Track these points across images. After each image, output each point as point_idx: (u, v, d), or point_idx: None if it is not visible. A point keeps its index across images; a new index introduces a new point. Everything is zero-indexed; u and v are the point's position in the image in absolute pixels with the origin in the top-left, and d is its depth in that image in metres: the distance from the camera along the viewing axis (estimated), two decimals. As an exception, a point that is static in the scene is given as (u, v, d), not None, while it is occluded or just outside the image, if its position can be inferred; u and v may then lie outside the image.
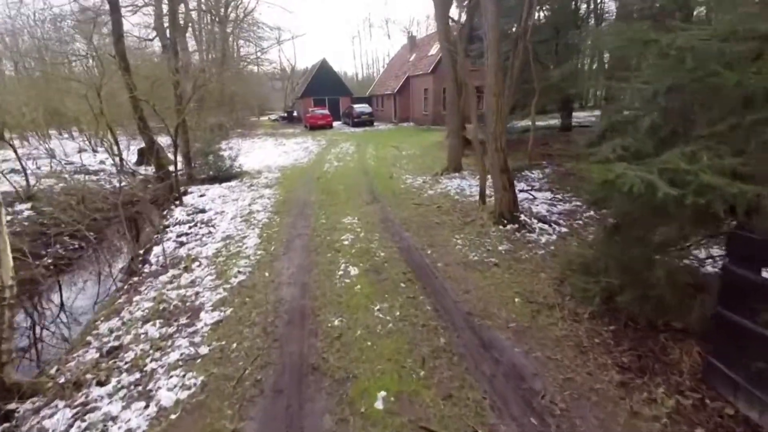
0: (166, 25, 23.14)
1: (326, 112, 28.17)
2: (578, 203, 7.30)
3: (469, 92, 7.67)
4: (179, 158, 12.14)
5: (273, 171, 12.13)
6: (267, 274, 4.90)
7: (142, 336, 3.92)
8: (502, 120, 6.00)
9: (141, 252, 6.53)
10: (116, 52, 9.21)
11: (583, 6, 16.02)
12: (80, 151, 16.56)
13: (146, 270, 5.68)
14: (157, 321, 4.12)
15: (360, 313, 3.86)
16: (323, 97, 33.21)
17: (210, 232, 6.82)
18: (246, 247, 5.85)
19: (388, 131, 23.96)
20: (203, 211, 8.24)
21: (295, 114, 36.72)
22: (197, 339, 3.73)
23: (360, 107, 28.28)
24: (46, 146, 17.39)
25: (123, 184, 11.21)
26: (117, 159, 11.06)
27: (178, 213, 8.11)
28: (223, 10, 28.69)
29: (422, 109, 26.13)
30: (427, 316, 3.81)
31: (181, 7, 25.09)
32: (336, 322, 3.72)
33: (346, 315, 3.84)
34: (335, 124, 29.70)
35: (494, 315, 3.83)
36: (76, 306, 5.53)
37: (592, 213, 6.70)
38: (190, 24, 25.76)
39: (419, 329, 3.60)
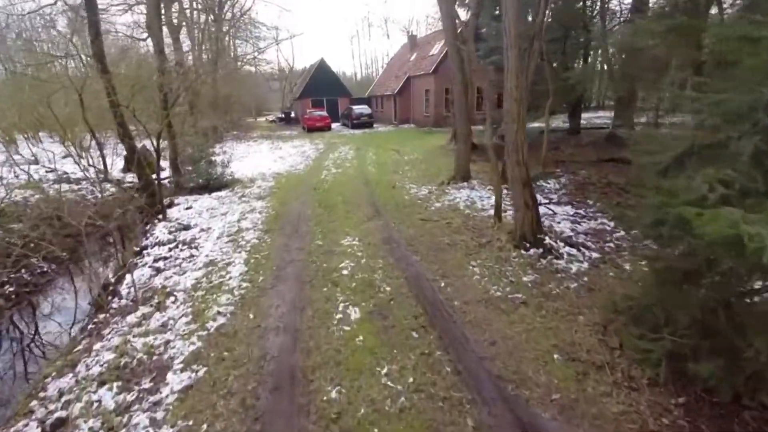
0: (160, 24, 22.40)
1: (324, 113, 27.38)
2: (604, 221, 6.55)
3: (487, 95, 6.88)
4: (165, 165, 11.37)
5: (267, 179, 11.35)
6: (251, 315, 4.13)
7: (95, 406, 3.15)
8: (524, 128, 5.24)
9: (112, 280, 5.76)
10: (93, 53, 8.42)
11: (592, 4, 15.33)
12: (65, 156, 15.74)
13: (115, 305, 4.90)
14: (116, 383, 3.35)
15: (363, 378, 3.09)
16: (321, 98, 32.43)
17: (192, 256, 6.05)
18: (230, 277, 5.08)
19: (388, 133, 23.20)
20: (187, 227, 7.46)
21: (292, 115, 35.93)
22: (159, 414, 2.96)
23: (359, 108, 27.51)
24: (30, 151, 16.62)
25: (105, 193, 10.46)
26: (92, 169, 10.25)
27: (159, 231, 7.33)
28: (218, 9, 27.88)
29: (423, 111, 25.37)
30: (447, 382, 3.05)
31: (175, 6, 24.38)
32: (333, 394, 2.95)
33: (345, 381, 3.07)
34: (334, 125, 28.92)
35: (530, 380, 3.07)
36: (30, 352, 4.75)
37: (621, 233, 5.96)
38: (184, 23, 25.01)
39: (439, 404, 2.83)
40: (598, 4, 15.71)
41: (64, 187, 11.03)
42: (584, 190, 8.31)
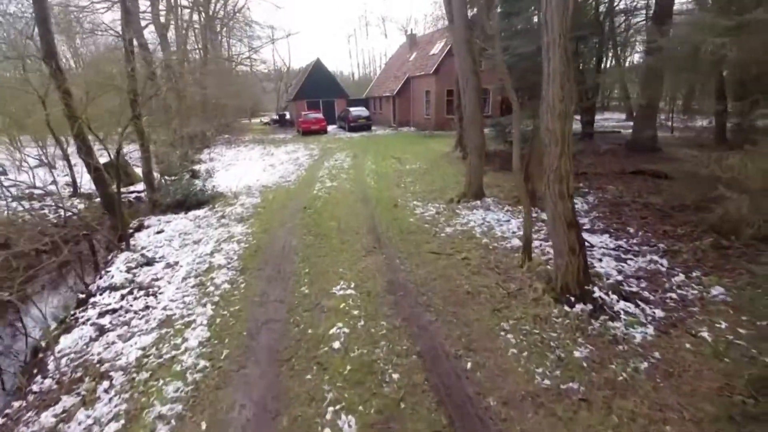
0: (143, 23, 21.09)
1: (320, 115, 26.13)
2: (654, 257, 5.37)
3: (512, 99, 5.71)
4: (122, 179, 10.14)
5: (253, 194, 10.12)
6: (203, 425, 2.92)
7: None
8: (570, 153, 4.05)
9: (43, 343, 4.54)
10: (44, 52, 7.19)
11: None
12: (36, 166, 14.44)
13: (36, 388, 3.69)
14: None
15: None
16: (317, 99, 31.18)
17: (147, 308, 4.83)
18: (186, 348, 3.86)
19: (387, 137, 21.99)
20: (150, 262, 6.24)
21: (287, 117, 34.66)
22: None
23: (357, 110, 26.27)
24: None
25: (75, 210, 9.22)
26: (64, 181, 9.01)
27: (117, 267, 6.09)
28: (206, 7, 26.56)
29: (424, 113, 24.18)
30: None
31: (163, 4, 23.04)
32: None
33: None
34: (330, 128, 27.70)
35: None
36: None
37: (680, 276, 4.79)
38: (173, 21, 23.70)
39: None
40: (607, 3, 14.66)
41: (35, 204, 9.76)
42: (619, 213, 7.14)
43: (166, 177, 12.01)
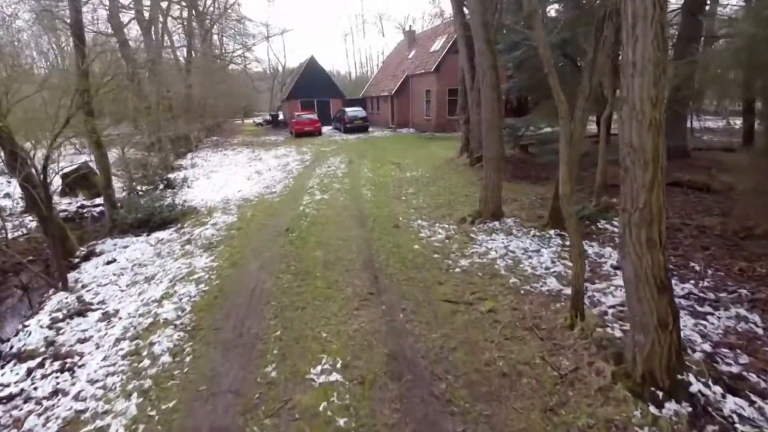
0: (125, 20, 19.59)
1: (314, 116, 24.74)
2: (740, 310, 4.03)
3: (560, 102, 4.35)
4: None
5: (230, 210, 8.73)
6: None
7: None
8: (662, 183, 2.70)
9: None
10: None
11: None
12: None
13: None
14: None
15: None
16: (311, 99, 29.78)
17: (55, 394, 3.45)
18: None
19: (385, 140, 20.62)
20: (83, 312, 4.85)
21: (281, 118, 33.22)
22: None
23: (353, 111, 24.88)
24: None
25: (24, 230, 7.82)
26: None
27: (36, 323, 4.70)
28: (192, 2, 25.05)
29: (424, 114, 22.82)
30: None
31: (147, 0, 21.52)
32: None
33: None
34: (325, 129, 26.31)
35: None
36: None
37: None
38: (160, 18, 22.19)
39: None
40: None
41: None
42: (673, 241, 5.80)
43: (138, 188, 10.65)
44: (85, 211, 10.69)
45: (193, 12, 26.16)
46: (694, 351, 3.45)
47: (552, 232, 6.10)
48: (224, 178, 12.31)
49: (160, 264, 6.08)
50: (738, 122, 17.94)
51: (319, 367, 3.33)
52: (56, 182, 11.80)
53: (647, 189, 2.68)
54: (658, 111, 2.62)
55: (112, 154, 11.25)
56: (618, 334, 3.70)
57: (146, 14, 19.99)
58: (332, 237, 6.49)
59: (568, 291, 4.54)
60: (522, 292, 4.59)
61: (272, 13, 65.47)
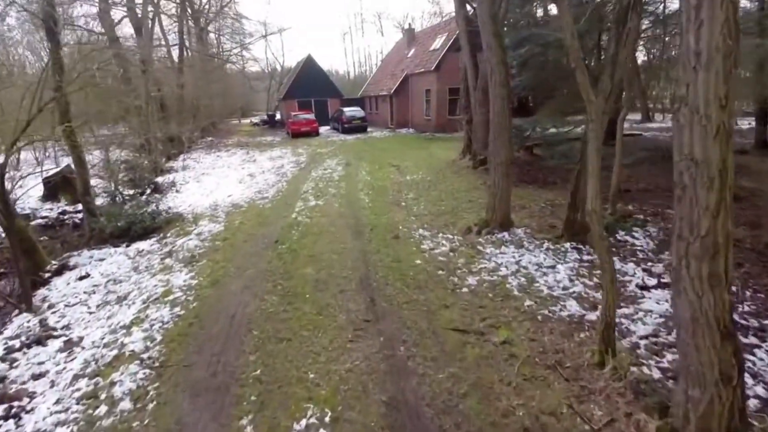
0: (117, 17, 18.97)
1: (311, 116, 24.14)
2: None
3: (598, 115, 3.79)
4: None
5: (218, 217, 8.16)
6: None
7: None
8: (731, 203, 2.16)
9: None
10: None
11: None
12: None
13: None
14: None
15: None
16: (309, 99, 29.19)
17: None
18: None
19: (384, 140, 20.06)
20: (44, 339, 4.29)
21: (277, 118, 32.61)
22: None
23: (351, 111, 24.29)
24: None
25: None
26: None
27: (-12, 349, 4.14)
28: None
29: (424, 114, 22.27)
30: None
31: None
32: None
33: None
34: (322, 129, 25.73)
35: None
36: None
37: None
38: (152, 16, 21.57)
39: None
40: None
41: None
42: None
43: (124, 192, 10.09)
44: (66, 217, 10.11)
45: (188, 10, 25.59)
46: (747, 398, 2.91)
47: (568, 245, 5.55)
48: (215, 182, 11.74)
49: (136, 280, 5.52)
50: (746, 123, 17.48)
51: (303, 422, 2.77)
52: (39, 187, 11.26)
53: (711, 213, 2.13)
54: (727, 114, 2.07)
55: (96, 157, 10.70)
56: (656, 374, 3.16)
57: (139, 11, 19.37)
58: (325, 250, 5.93)
59: (591, 317, 4.01)
60: (539, 318, 4.04)
61: (270, 12, 64.78)
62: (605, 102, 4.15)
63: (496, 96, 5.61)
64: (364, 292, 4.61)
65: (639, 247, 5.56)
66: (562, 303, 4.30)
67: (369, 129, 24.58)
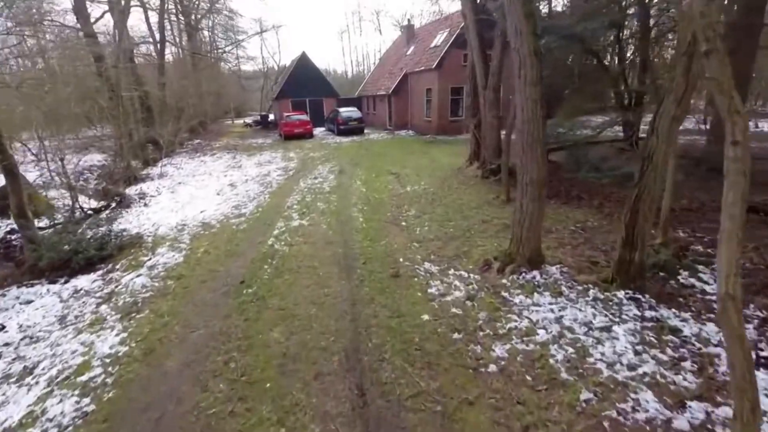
0: (95, 10, 17.56)
1: (305, 117, 22.81)
2: None
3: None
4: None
5: (181, 241, 6.81)
6: None
7: None
8: None
9: None
10: None
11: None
12: None
13: None
14: None
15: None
16: (303, 99, 27.80)
17: None
18: None
19: (382, 143, 18.72)
20: None
21: (270, 118, 31.20)
22: None
23: (347, 111, 22.95)
24: None
25: None
26: None
27: None
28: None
29: (424, 115, 20.93)
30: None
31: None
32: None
33: None
34: (317, 131, 24.41)
35: None
36: None
37: None
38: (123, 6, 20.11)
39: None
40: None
41: None
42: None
43: (83, 207, 8.75)
44: (14, 238, 8.72)
45: (170, 4, 24.18)
46: None
47: (621, 294, 4.22)
48: (190, 193, 10.38)
49: (55, 340, 4.18)
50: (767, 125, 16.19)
51: None
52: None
53: None
54: None
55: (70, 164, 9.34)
56: None
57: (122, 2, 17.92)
58: (302, 298, 4.58)
59: (682, 423, 2.70)
60: (607, 425, 2.72)
61: (265, 10, 63.11)
62: (678, 106, 2.85)
63: (526, 98, 4.27)
64: (350, 376, 3.26)
65: (712, 295, 4.23)
66: (633, 395, 2.98)
67: (366, 130, 23.26)
